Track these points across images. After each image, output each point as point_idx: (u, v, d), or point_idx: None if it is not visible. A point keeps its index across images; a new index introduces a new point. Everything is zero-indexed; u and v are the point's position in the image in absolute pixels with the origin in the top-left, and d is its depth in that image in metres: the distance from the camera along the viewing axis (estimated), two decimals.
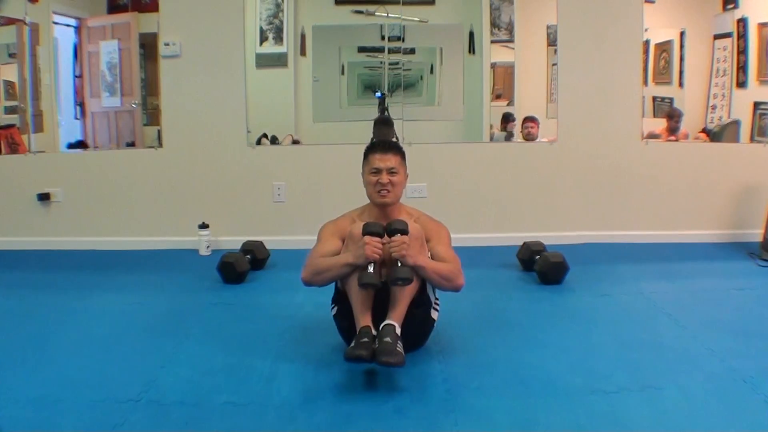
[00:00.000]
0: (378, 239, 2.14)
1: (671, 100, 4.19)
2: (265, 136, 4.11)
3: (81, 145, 4.27)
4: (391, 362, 1.98)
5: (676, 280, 3.31)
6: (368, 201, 2.43)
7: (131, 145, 4.25)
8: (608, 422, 1.86)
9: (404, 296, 2.16)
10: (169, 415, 1.92)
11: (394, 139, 2.56)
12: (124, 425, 1.85)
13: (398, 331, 2.10)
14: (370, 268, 2.12)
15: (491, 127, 4.22)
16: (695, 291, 3.12)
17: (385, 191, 2.31)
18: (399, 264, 2.13)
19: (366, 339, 2.07)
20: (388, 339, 2.05)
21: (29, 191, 4.11)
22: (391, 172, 2.31)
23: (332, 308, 2.42)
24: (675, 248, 3.96)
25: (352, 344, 2.07)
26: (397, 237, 2.14)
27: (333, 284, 2.38)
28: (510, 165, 4.13)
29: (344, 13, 4.11)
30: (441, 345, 2.42)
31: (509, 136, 4.20)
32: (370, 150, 2.38)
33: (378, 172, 2.31)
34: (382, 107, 4.13)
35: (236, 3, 3.97)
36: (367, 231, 2.16)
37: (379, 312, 2.17)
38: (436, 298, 2.41)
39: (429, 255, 2.30)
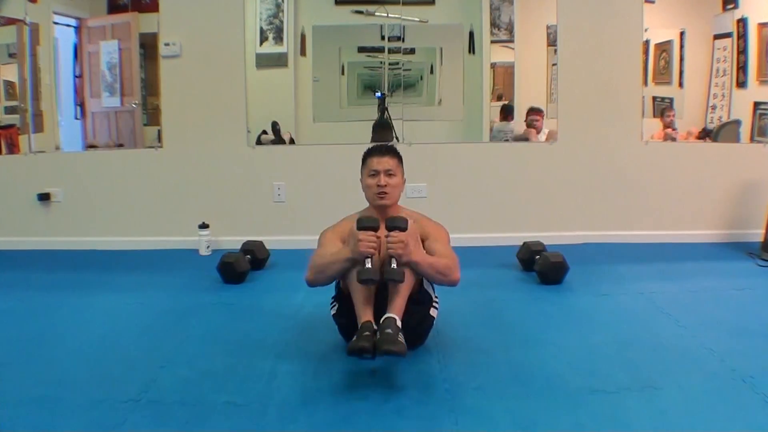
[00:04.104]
0: (372, 233, 2.16)
1: (671, 100, 4.19)
2: (264, 132, 4.10)
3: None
4: (392, 350, 1.98)
5: (676, 280, 3.31)
6: (367, 204, 2.46)
7: (121, 146, 4.24)
8: (608, 422, 1.86)
9: (403, 290, 2.17)
10: (169, 415, 1.92)
11: (391, 143, 2.60)
12: (124, 425, 1.85)
13: (399, 323, 2.11)
14: (368, 263, 2.11)
15: (492, 123, 4.21)
16: (695, 291, 3.12)
17: (383, 193, 2.36)
18: (393, 263, 2.12)
19: (368, 333, 2.07)
20: (389, 330, 2.05)
21: (29, 191, 4.11)
22: (388, 173, 2.36)
23: (332, 307, 2.43)
24: (675, 248, 3.96)
25: (354, 338, 2.08)
26: (395, 234, 2.15)
27: (333, 284, 2.40)
28: (510, 165, 4.13)
29: (344, 13, 4.11)
30: (441, 345, 2.42)
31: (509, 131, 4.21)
32: (368, 154, 2.43)
33: (376, 174, 2.36)
34: (382, 107, 4.13)
35: (236, 3, 3.97)
36: (361, 226, 2.18)
37: (381, 309, 2.18)
38: (435, 297, 2.42)
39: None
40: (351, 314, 2.23)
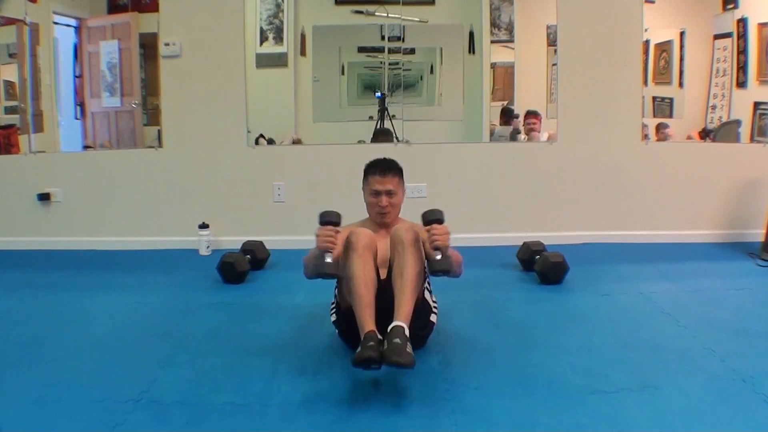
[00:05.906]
0: (331, 228, 2.16)
1: (671, 100, 4.19)
2: (262, 136, 4.10)
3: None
4: (401, 362, 1.91)
5: (676, 280, 3.31)
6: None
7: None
8: (608, 422, 1.86)
9: (409, 296, 2.11)
10: (169, 415, 1.92)
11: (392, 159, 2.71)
12: (124, 425, 1.85)
13: (407, 332, 2.02)
14: (327, 258, 2.12)
15: (492, 126, 4.22)
16: (695, 291, 3.12)
17: (384, 213, 2.46)
18: (440, 255, 2.14)
19: (372, 343, 1.99)
20: (397, 340, 1.97)
21: (29, 191, 4.11)
22: (389, 194, 2.44)
23: (332, 312, 2.42)
24: (675, 248, 3.96)
25: (359, 349, 2.00)
26: (437, 227, 2.17)
27: (333, 288, 2.41)
28: (510, 165, 4.13)
29: (344, 13, 4.12)
30: (441, 345, 2.42)
31: (515, 133, 4.18)
32: (370, 170, 2.49)
33: (377, 194, 2.44)
34: (382, 108, 4.13)
35: (236, 3, 3.97)
36: (323, 220, 2.17)
37: (382, 316, 2.12)
38: (434, 301, 2.41)
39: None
40: (351, 321, 2.17)
